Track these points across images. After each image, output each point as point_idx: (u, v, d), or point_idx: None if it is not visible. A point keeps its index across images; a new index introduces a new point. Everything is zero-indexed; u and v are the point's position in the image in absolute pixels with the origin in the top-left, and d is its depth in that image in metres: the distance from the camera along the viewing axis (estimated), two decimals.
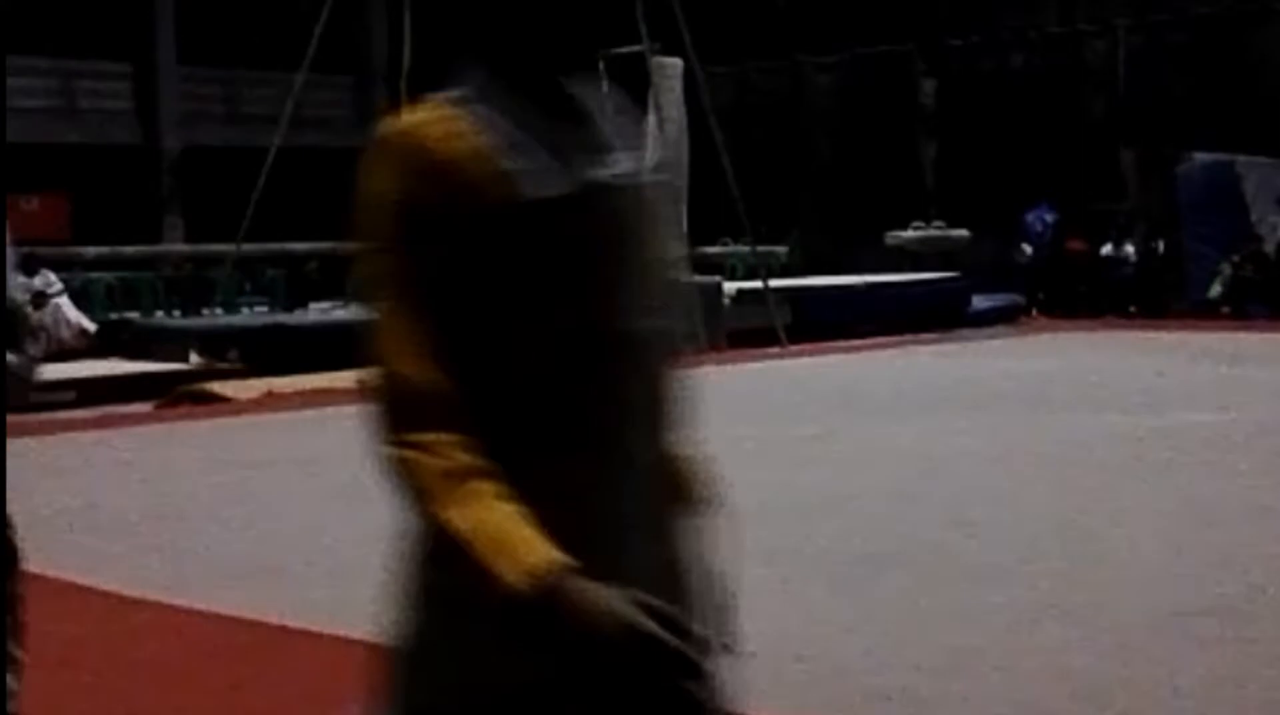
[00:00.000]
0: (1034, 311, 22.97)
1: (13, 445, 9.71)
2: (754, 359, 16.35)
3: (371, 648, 4.44)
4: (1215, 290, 21.43)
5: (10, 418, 11.16)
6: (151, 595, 5.46)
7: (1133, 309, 22.25)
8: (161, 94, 31.09)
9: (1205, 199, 21.82)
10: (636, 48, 17.57)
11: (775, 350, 17.30)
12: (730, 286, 19.09)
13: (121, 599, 5.49)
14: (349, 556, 6.20)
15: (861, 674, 4.24)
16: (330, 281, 23.10)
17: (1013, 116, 24.95)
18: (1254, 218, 21.81)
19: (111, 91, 31.11)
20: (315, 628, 4.89)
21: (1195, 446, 8.94)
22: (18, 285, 10.80)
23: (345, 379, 14.08)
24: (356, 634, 4.70)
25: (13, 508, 7.51)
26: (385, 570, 5.29)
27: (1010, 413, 10.87)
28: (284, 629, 4.91)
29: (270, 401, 13.12)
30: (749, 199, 18.87)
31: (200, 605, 5.27)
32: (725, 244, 24.57)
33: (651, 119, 17.66)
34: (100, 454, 10.23)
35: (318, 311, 19.88)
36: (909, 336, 18.60)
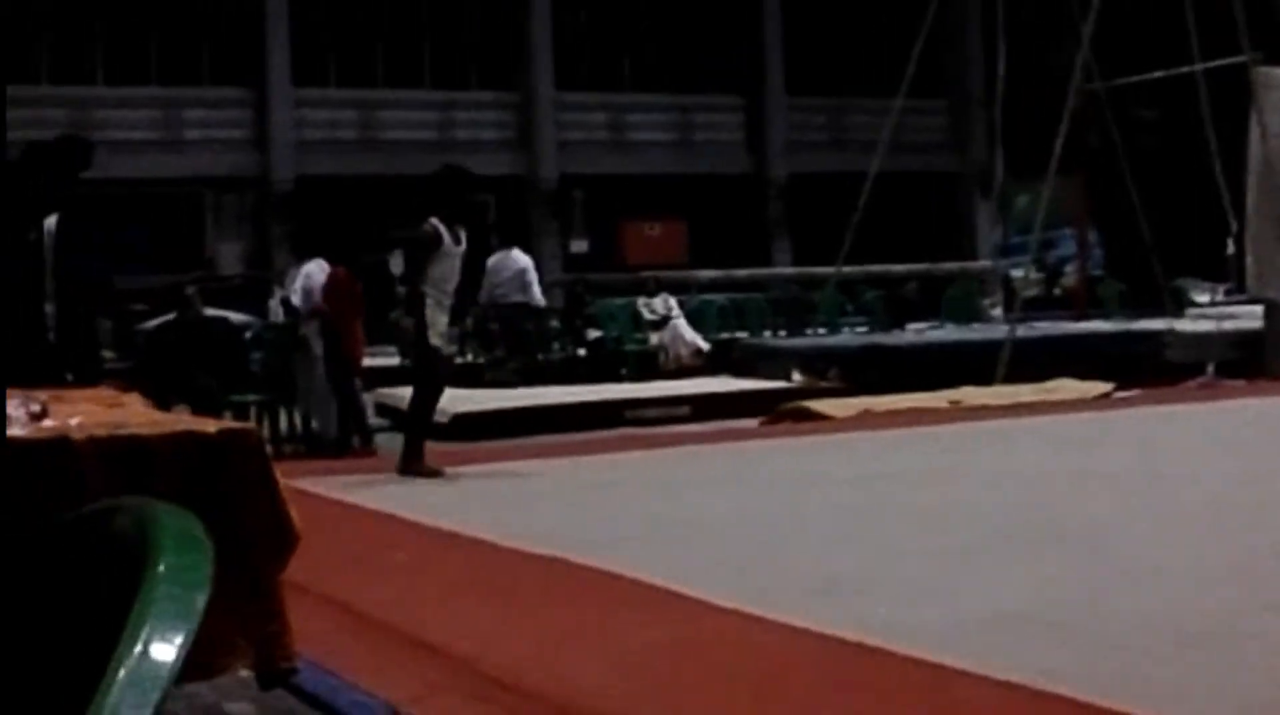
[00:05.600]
0: None
1: (626, 457, 10.61)
2: None
3: (931, 668, 4.63)
4: None
5: (628, 432, 12.40)
6: (732, 604, 5.67)
7: None
8: (770, 124, 32.63)
9: None
10: (1238, 59, 17.07)
11: None
12: None
13: (703, 605, 5.74)
14: (925, 577, 6.32)
15: None
16: (928, 302, 23.60)
17: None
18: None
19: (725, 124, 32.96)
20: (882, 645, 4.99)
21: None
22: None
23: (939, 399, 14.49)
24: (922, 654, 4.78)
25: (615, 514, 8.34)
26: (958, 592, 5.48)
27: None
28: (859, 645, 5.03)
29: (867, 420, 13.47)
30: None
31: (778, 617, 5.43)
32: None
33: (1254, 133, 17.10)
34: (706, 466, 10.95)
35: (914, 332, 20.39)
36: None
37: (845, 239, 19.44)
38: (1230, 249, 17.72)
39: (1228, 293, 21.31)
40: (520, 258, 18.03)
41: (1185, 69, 18.13)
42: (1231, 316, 17.79)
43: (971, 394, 14.70)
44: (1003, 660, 4.70)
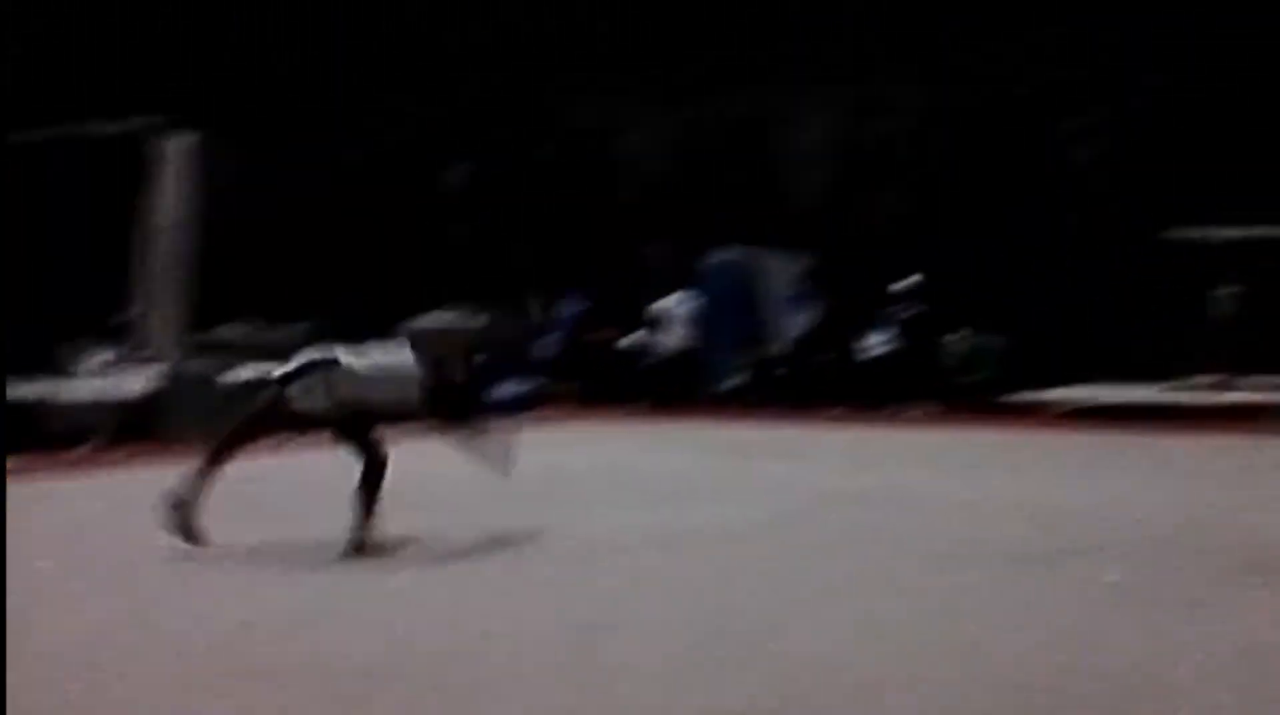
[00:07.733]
0: (561, 401, 22.60)
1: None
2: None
3: None
4: (733, 383, 21.78)
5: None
6: None
7: (659, 400, 22.20)
8: None
9: (724, 295, 22.21)
10: (131, 125, 16.41)
11: None
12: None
13: None
14: None
15: None
16: None
17: (544, 206, 25.09)
18: (767, 315, 22.33)
19: None
20: None
21: (714, 542, 8.58)
22: None
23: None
24: None
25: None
26: None
27: (525, 510, 10.02)
28: None
29: None
30: (268, 278, 17.91)
31: None
32: (238, 326, 23.23)
33: (153, 198, 16.57)
34: None
35: None
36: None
37: None
38: (128, 312, 16.93)
39: (125, 355, 20.32)
40: None
41: (83, 130, 17.16)
42: (128, 380, 16.82)
43: None
44: None
